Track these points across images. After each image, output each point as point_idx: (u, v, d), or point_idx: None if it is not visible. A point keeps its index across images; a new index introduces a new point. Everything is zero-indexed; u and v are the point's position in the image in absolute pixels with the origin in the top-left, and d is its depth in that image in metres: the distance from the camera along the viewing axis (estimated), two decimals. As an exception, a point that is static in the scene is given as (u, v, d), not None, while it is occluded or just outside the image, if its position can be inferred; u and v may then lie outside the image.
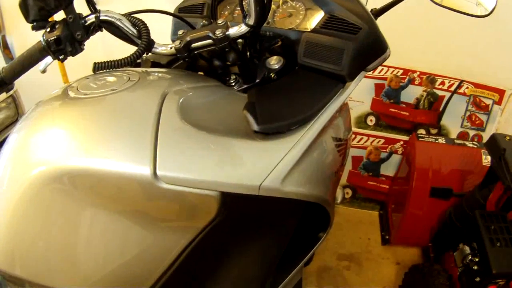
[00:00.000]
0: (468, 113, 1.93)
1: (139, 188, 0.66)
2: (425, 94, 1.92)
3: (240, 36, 0.82)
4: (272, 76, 0.89)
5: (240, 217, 0.77)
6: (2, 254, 0.69)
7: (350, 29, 0.81)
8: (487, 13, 1.00)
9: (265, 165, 0.71)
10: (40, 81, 1.11)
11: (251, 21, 0.78)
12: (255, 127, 0.73)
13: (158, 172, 0.64)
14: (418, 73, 1.88)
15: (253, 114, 0.75)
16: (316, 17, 0.91)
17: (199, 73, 0.94)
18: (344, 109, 0.99)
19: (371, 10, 1.01)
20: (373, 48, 0.83)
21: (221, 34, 0.79)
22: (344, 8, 0.83)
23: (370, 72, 1.83)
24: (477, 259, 1.37)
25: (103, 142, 0.66)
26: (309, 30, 0.89)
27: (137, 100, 0.74)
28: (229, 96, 0.86)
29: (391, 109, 1.98)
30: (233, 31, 0.80)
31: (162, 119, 0.69)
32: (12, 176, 0.69)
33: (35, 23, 0.75)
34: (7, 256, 0.69)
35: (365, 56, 0.82)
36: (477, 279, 1.33)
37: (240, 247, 0.83)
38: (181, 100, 0.74)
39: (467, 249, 1.43)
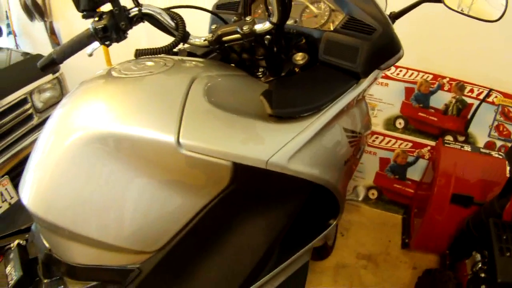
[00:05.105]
0: (496, 123, 1.91)
1: (164, 153, 0.77)
2: (454, 100, 1.91)
3: (267, 33, 0.91)
4: (297, 70, 0.97)
5: (250, 188, 0.86)
6: (40, 200, 0.81)
7: (366, 30, 0.88)
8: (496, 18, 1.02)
9: (274, 143, 0.81)
10: (85, 65, 1.25)
11: (274, 19, 0.87)
12: (269, 110, 0.82)
13: (180, 140, 0.76)
14: (447, 79, 1.87)
15: (269, 99, 0.84)
16: (339, 18, 0.99)
17: (230, 64, 1.04)
18: (360, 105, 1.05)
19: (390, 13, 1.07)
20: (386, 48, 0.89)
21: (247, 29, 0.89)
22: (362, 10, 0.90)
23: (401, 75, 1.86)
24: (485, 267, 1.35)
25: (138, 113, 0.78)
26: (331, 30, 0.96)
27: (170, 81, 0.85)
28: (253, 84, 0.96)
29: (420, 114, 1.98)
30: (259, 27, 0.89)
31: (189, 97, 0.80)
32: (56, 139, 0.81)
33: (85, 13, 0.86)
34: (44, 202, 0.81)
35: (379, 56, 0.89)
36: (483, 287, 1.32)
37: (248, 217, 0.92)
38: (208, 84, 0.85)
39: (478, 257, 1.41)
